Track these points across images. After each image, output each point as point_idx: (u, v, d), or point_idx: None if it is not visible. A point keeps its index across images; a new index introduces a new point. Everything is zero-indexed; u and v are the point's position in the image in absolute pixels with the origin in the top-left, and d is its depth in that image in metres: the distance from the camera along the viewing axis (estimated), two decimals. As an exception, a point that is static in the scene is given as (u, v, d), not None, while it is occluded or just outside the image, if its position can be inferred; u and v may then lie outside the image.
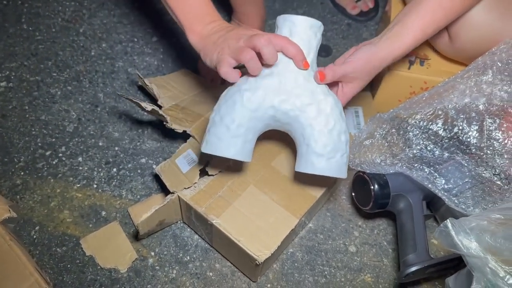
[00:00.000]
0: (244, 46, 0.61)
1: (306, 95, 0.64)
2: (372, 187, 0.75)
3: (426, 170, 0.77)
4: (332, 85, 0.72)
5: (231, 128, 0.63)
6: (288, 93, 0.63)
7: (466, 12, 0.73)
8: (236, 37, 0.62)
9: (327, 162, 0.64)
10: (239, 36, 0.62)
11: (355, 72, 0.69)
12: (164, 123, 0.80)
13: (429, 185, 0.74)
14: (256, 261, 0.68)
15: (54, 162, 0.90)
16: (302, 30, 0.65)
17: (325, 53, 1.11)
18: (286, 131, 0.69)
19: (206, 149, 0.65)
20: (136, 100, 0.78)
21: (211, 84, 0.98)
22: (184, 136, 0.81)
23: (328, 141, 0.64)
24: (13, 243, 0.73)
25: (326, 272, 0.80)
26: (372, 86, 1.03)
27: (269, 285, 0.78)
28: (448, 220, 0.58)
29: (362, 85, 0.72)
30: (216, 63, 0.63)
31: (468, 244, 0.56)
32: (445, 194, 0.74)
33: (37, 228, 0.82)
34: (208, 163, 0.77)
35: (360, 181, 0.78)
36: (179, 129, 0.81)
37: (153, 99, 0.98)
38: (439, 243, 0.79)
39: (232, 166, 0.78)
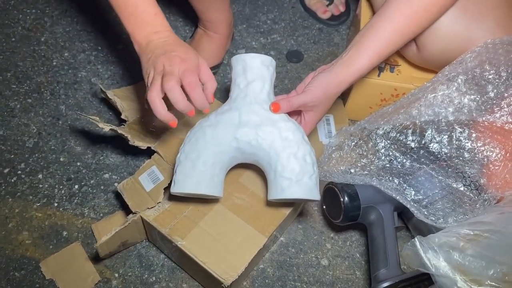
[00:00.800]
0: (171, 88, 0.59)
1: (266, 124, 0.66)
2: (342, 200, 0.74)
3: (395, 181, 0.75)
4: (294, 114, 0.73)
5: (196, 164, 0.64)
6: (248, 124, 0.65)
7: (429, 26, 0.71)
8: (162, 65, 0.61)
9: (296, 185, 0.65)
10: (165, 66, 0.60)
11: (314, 101, 0.68)
12: (127, 140, 0.77)
13: (398, 197, 0.72)
14: (223, 284, 0.65)
15: (12, 180, 0.86)
16: (254, 66, 0.68)
17: (296, 59, 1.09)
18: (254, 163, 0.69)
19: (175, 188, 0.65)
20: (93, 119, 0.75)
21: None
22: (150, 152, 0.78)
23: (294, 165, 0.65)
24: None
25: (297, 288, 0.78)
26: (343, 93, 1.00)
27: (239, 304, 0.75)
28: (416, 238, 0.56)
29: (323, 112, 0.72)
30: (147, 93, 0.61)
31: (437, 263, 0.55)
32: (415, 205, 0.72)
33: (-7, 251, 0.78)
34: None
35: (330, 194, 0.76)
36: (142, 145, 0.78)
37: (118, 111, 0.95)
38: (407, 261, 0.78)
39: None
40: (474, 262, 0.54)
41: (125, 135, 0.75)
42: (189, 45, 0.66)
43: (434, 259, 0.55)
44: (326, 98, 0.68)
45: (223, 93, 1.02)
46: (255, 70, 0.68)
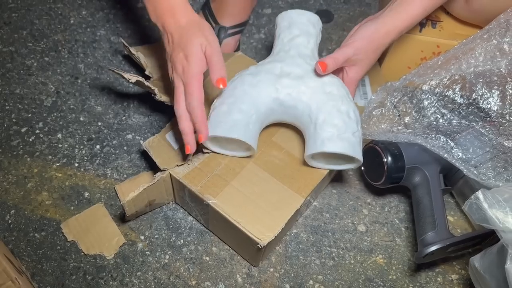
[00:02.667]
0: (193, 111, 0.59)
1: (310, 77, 0.63)
2: (385, 160, 0.68)
3: (442, 139, 0.70)
4: (336, 72, 0.68)
5: (232, 108, 0.61)
6: (290, 76, 0.63)
7: None
8: (173, 69, 0.61)
9: (338, 139, 0.61)
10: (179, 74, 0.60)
11: (357, 53, 0.63)
12: (152, 95, 0.72)
13: (446, 155, 0.67)
14: (258, 245, 0.60)
15: (30, 140, 0.81)
16: (300, 21, 0.68)
17: (326, 18, 1.03)
18: (292, 120, 0.66)
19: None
20: (118, 71, 0.70)
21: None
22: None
23: (337, 119, 0.61)
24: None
25: (334, 254, 0.73)
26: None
27: (271, 269, 0.71)
28: (479, 191, 0.51)
29: (368, 66, 0.66)
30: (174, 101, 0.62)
31: (504, 218, 0.50)
32: (463, 164, 0.67)
33: (12, 211, 0.74)
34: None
35: (371, 154, 0.71)
36: (169, 101, 0.72)
37: (140, 70, 0.90)
38: (469, 217, 0.72)
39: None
40: (546, 217, 0.49)
41: (153, 88, 0.69)
42: (199, 30, 0.60)
43: (500, 214, 0.50)
44: (372, 50, 0.63)
45: (250, 54, 0.96)
46: (300, 26, 0.68)
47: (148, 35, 0.97)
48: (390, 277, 0.71)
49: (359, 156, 0.62)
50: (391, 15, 0.63)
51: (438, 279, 0.71)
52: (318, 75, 0.63)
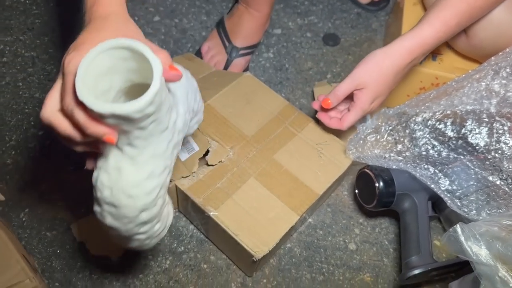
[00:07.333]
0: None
1: None
2: (377, 185, 0.73)
3: (431, 169, 0.74)
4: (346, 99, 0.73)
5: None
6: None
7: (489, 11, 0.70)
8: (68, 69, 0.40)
9: None
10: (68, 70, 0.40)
11: (360, 76, 0.67)
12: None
13: (432, 185, 0.72)
14: (254, 257, 0.65)
15: (47, 143, 0.87)
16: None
17: (333, 42, 1.07)
18: None
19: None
20: None
21: (215, 68, 0.94)
22: (184, 122, 0.78)
23: None
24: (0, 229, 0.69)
25: (324, 270, 0.77)
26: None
27: (264, 280, 0.75)
28: (457, 224, 0.56)
29: (376, 92, 0.70)
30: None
31: (478, 251, 0.54)
32: (448, 195, 0.71)
33: (26, 210, 0.79)
34: (208, 152, 0.74)
35: (364, 178, 0.76)
36: None
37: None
38: (446, 248, 0.77)
39: (233, 158, 0.75)
40: (517, 252, 0.54)
41: None
42: (93, 33, 0.43)
43: (475, 247, 0.54)
44: (377, 74, 0.65)
45: (258, 72, 1.01)
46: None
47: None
48: (376, 295, 0.75)
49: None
50: (397, 40, 0.67)
51: (421, 299, 0.75)
52: None
